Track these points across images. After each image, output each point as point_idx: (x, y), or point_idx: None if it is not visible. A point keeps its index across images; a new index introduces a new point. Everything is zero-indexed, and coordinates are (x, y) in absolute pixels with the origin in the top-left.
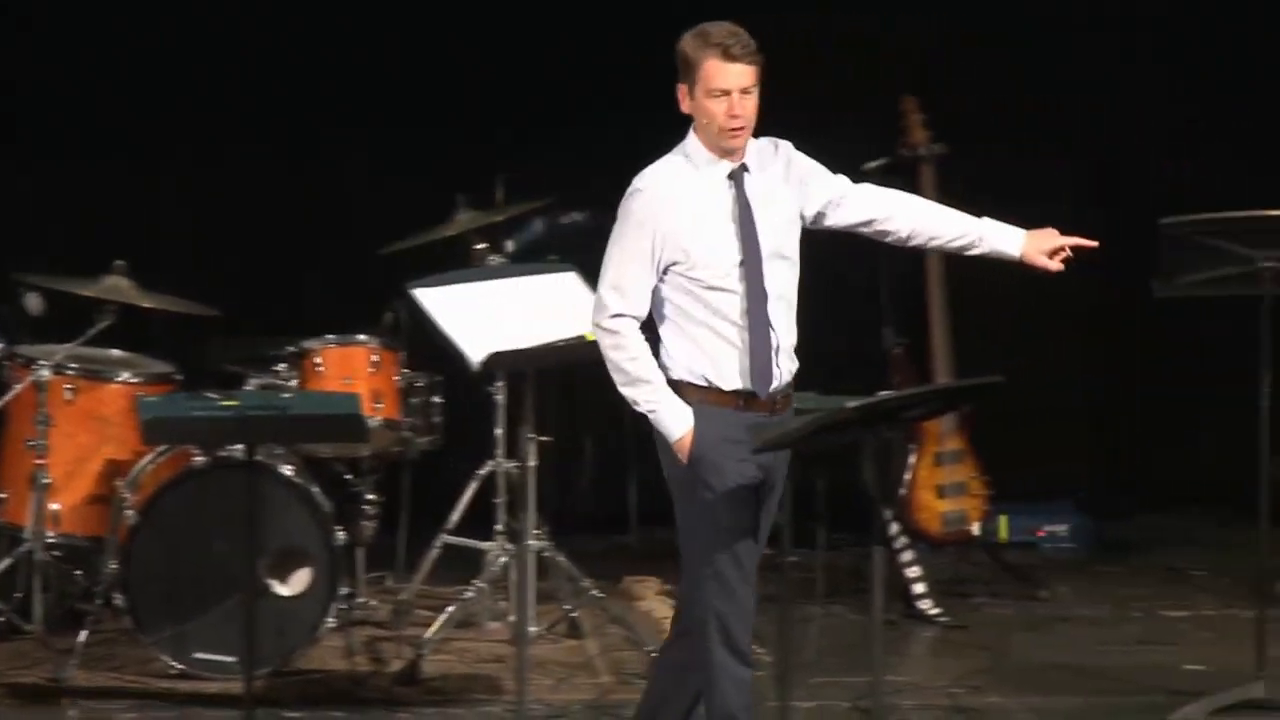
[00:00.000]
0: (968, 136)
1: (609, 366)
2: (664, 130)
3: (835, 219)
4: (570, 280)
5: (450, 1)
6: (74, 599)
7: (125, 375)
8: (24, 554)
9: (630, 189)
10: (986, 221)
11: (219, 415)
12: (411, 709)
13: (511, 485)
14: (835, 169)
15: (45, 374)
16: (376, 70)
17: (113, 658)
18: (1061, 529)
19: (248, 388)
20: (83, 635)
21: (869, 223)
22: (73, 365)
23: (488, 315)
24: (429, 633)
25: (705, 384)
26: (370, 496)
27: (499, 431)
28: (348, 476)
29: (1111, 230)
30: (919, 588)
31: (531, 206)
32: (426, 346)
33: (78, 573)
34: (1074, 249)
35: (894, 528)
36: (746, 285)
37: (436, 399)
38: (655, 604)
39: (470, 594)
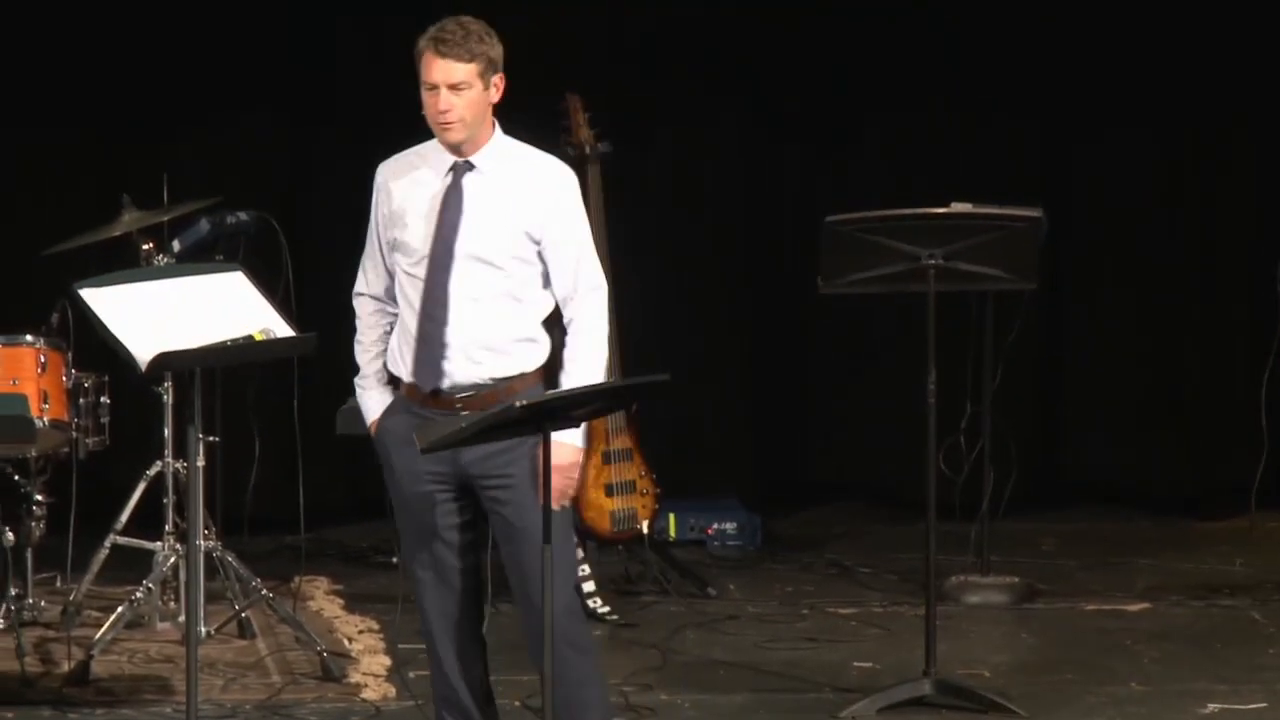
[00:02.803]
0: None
1: None
2: (322, 124)
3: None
4: (237, 280)
5: None
6: None
7: None
8: None
9: None
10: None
11: None
12: (82, 710)
13: (180, 485)
14: None
15: None
16: (40, 67)
17: None
18: (730, 526)
19: None
20: None
21: None
22: None
23: (154, 315)
24: (99, 634)
25: (394, 374)
26: (39, 497)
27: (167, 432)
28: (15, 477)
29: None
30: (588, 586)
31: (196, 207)
32: (94, 347)
33: None
34: None
35: None
36: (429, 278)
37: (104, 399)
38: (325, 604)
39: (140, 594)
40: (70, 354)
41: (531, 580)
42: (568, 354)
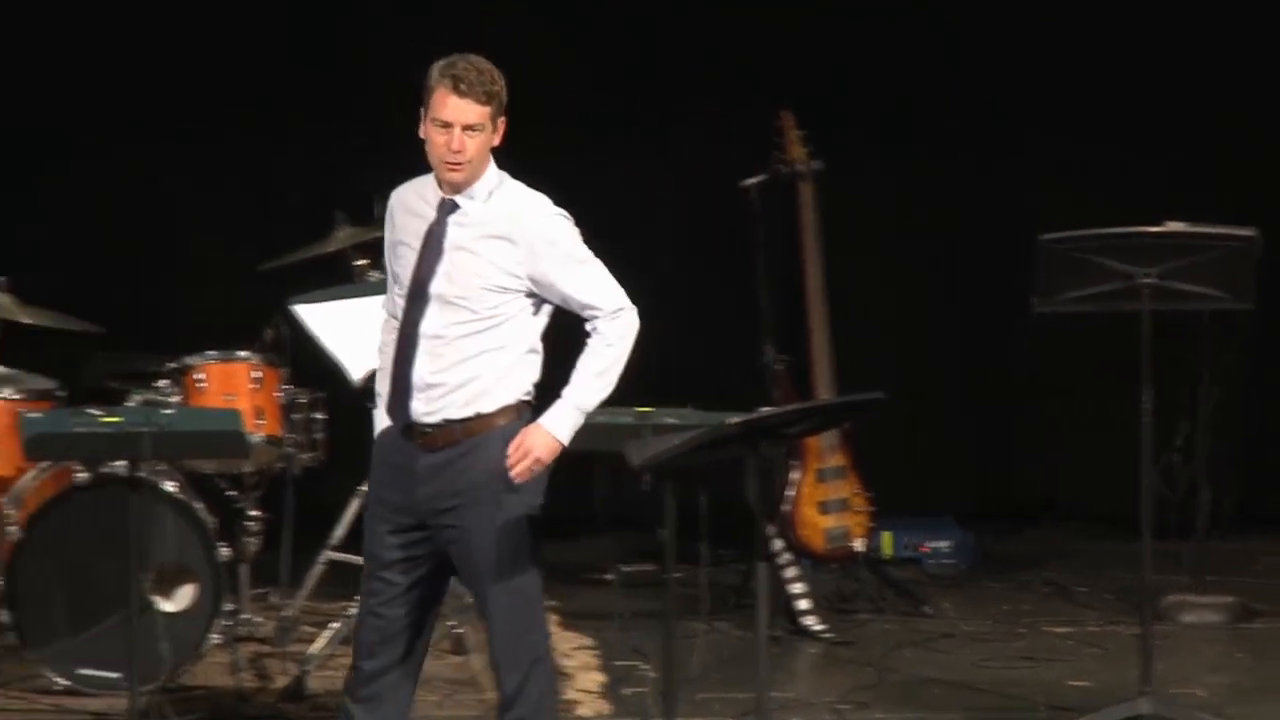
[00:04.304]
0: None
1: None
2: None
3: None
4: None
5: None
6: None
7: (7, 392)
8: None
9: None
10: (568, 390)
11: (102, 431)
12: None
13: None
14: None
15: None
16: (260, 84)
17: None
18: (944, 545)
19: (130, 404)
20: None
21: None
22: None
23: (368, 331)
24: (314, 649)
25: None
26: (253, 512)
27: None
28: (231, 492)
29: (990, 248)
30: (803, 604)
31: None
32: (308, 363)
33: None
34: None
35: (777, 544)
36: (405, 315)
37: (318, 415)
38: None
39: (354, 610)
40: (285, 370)
41: (494, 621)
42: (576, 367)
